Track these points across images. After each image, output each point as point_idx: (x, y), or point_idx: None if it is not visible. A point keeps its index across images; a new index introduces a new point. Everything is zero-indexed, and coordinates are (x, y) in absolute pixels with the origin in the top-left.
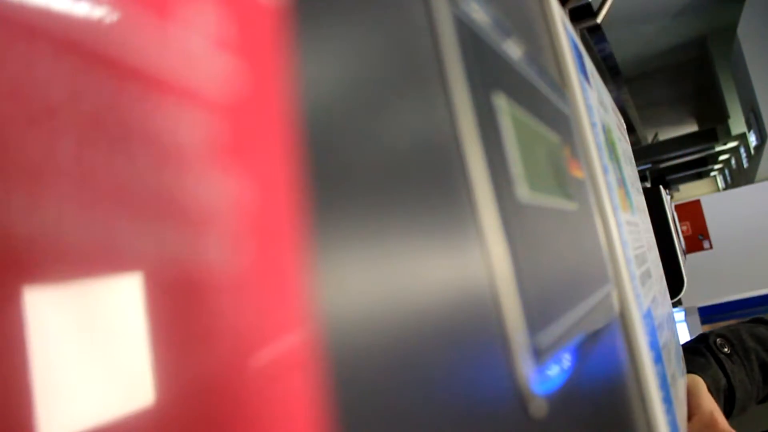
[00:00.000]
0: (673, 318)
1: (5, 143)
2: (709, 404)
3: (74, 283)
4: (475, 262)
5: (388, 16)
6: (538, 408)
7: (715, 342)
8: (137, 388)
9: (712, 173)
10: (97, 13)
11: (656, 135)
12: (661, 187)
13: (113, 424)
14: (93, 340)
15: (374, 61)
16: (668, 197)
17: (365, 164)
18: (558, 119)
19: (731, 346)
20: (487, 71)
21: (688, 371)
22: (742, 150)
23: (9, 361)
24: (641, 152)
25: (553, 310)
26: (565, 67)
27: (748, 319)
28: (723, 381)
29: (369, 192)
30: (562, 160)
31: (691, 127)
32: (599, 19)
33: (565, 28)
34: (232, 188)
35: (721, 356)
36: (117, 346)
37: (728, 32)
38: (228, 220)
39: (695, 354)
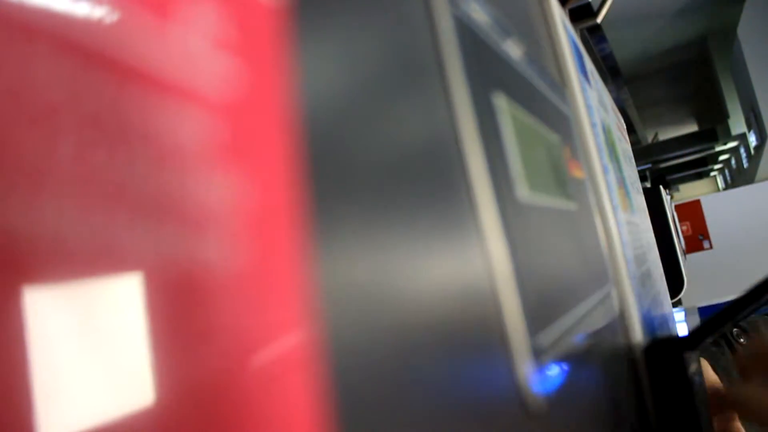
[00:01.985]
0: (673, 317)
1: (5, 143)
2: (714, 378)
3: (74, 282)
4: (475, 262)
5: (388, 16)
6: (538, 408)
7: (731, 332)
8: (137, 387)
9: (712, 173)
10: (97, 13)
11: (656, 135)
12: (661, 187)
13: (113, 424)
14: (93, 340)
15: (374, 61)
16: (668, 197)
17: (365, 164)
18: (558, 119)
19: (748, 337)
20: (487, 71)
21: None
22: (742, 150)
23: (9, 361)
24: (641, 152)
25: (553, 310)
26: (565, 67)
27: (764, 313)
28: (735, 372)
29: (369, 192)
30: (562, 160)
31: (691, 127)
32: (599, 19)
33: (565, 28)
34: (232, 188)
35: (737, 347)
36: (117, 346)
37: (728, 32)
38: (228, 219)
39: (710, 343)
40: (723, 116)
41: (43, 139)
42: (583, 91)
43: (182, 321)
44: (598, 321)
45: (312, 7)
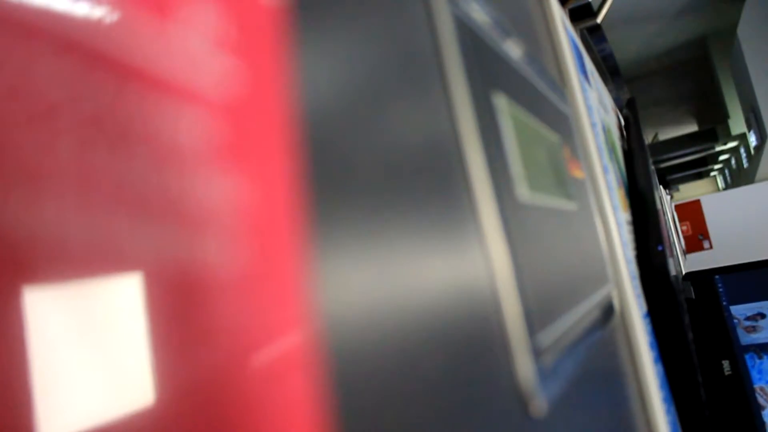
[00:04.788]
0: None
1: (5, 143)
2: None
3: (74, 283)
4: (475, 262)
5: (388, 16)
6: (538, 408)
7: None
8: (137, 387)
9: (712, 173)
10: (97, 13)
11: (656, 135)
12: (661, 187)
13: (113, 424)
14: (93, 340)
15: (374, 61)
16: (668, 197)
17: (365, 164)
18: (558, 119)
19: None
20: (487, 71)
21: None
22: (742, 150)
23: (9, 361)
24: None
25: (553, 310)
26: (565, 67)
27: None
28: None
29: (369, 192)
30: (562, 160)
31: (691, 127)
32: (599, 19)
33: (565, 28)
34: (232, 188)
35: None
36: (117, 346)
37: (728, 32)
38: (228, 220)
39: None
40: (723, 116)
41: (43, 139)
42: (583, 91)
43: (182, 321)
44: (598, 321)
45: (312, 7)
